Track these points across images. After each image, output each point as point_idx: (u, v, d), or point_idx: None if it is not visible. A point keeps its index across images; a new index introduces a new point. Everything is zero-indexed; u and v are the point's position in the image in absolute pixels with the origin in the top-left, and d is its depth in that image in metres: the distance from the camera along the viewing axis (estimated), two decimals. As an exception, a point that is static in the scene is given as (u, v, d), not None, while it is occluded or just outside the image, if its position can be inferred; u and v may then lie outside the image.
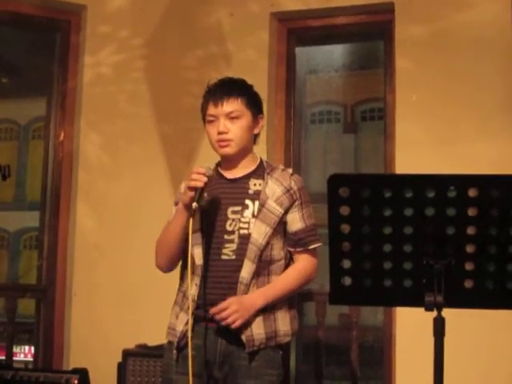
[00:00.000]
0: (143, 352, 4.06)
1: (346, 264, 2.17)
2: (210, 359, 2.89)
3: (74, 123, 4.83)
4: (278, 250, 2.95)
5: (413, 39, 4.37)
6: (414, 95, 4.33)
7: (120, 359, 4.04)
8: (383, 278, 2.15)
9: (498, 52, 4.20)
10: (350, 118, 8.89)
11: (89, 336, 4.58)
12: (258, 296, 2.89)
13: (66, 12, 4.90)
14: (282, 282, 2.96)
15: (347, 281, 2.18)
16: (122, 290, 4.58)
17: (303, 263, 2.99)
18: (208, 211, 2.95)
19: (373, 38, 5.08)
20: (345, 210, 2.13)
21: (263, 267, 2.92)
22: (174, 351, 2.91)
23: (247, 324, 2.86)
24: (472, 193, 2.04)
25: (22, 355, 9.61)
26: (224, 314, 2.85)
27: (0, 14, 4.83)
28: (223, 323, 2.86)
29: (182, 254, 3.00)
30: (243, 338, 2.86)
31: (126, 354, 4.04)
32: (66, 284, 4.72)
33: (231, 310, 2.84)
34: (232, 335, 2.88)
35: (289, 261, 3.02)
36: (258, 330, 2.88)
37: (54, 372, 3.94)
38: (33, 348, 5.04)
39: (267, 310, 2.92)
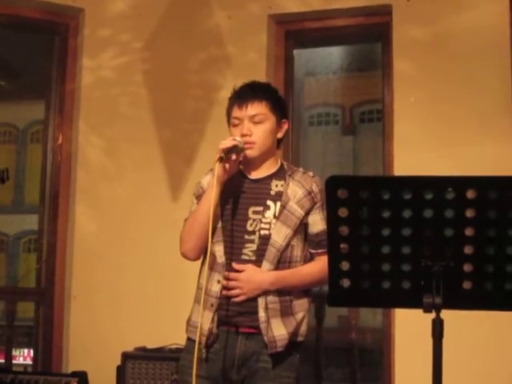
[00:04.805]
0: (142, 355, 4.07)
1: (345, 266, 2.17)
2: (228, 363, 2.89)
3: (72, 126, 4.84)
4: (297, 252, 2.96)
5: (411, 41, 4.38)
6: (413, 97, 4.34)
7: (119, 362, 4.04)
8: (382, 279, 2.15)
9: (496, 54, 4.20)
10: (348, 119, 8.91)
11: (88, 339, 4.58)
12: (271, 280, 2.90)
13: (65, 15, 4.90)
14: (301, 273, 2.96)
15: (346, 282, 2.18)
16: (121, 293, 4.58)
17: (324, 263, 2.98)
18: (229, 209, 2.96)
19: (371, 40, 5.10)
20: (343, 212, 2.13)
21: (282, 268, 2.92)
22: (204, 350, 2.89)
23: (268, 326, 2.86)
24: (470, 194, 2.04)
25: (22, 358, 9.62)
26: (230, 284, 2.88)
27: (-2, 17, 4.84)
28: (226, 293, 2.88)
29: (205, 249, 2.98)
30: (265, 339, 2.86)
31: (125, 356, 4.04)
32: (65, 287, 4.72)
33: (238, 284, 2.87)
34: (252, 338, 2.89)
35: (308, 262, 3.02)
36: (279, 331, 2.88)
37: (53, 375, 3.95)
38: (32, 351, 5.05)
39: (288, 311, 2.92)
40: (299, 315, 2.95)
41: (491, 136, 4.15)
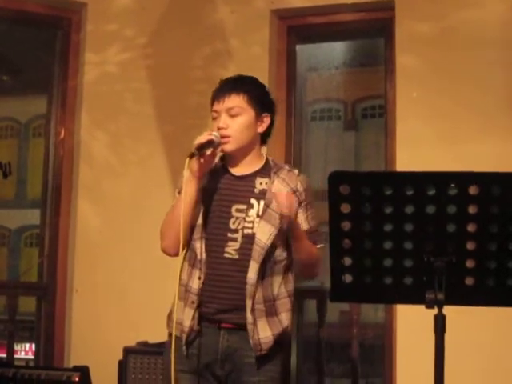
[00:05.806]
0: (144, 349, 4.07)
1: (347, 261, 2.17)
2: (211, 358, 2.87)
3: (74, 121, 4.84)
4: (281, 251, 2.92)
5: (413, 36, 4.37)
6: (415, 92, 4.33)
7: (121, 357, 4.04)
8: (384, 275, 2.15)
9: (500, 50, 4.20)
10: (350, 115, 8.90)
11: (90, 333, 4.58)
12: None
13: (67, 10, 4.90)
14: (308, 242, 2.93)
15: (348, 278, 2.18)
16: (123, 288, 4.58)
17: (316, 252, 2.97)
18: (211, 207, 2.92)
19: (373, 35, 5.08)
20: (345, 208, 2.13)
21: (267, 267, 2.88)
22: (184, 347, 2.88)
23: (254, 328, 2.83)
24: (472, 190, 2.04)
25: (23, 353, 9.61)
26: (289, 201, 2.81)
27: (1, 12, 4.83)
28: (279, 205, 2.80)
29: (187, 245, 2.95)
30: (251, 342, 2.83)
31: (127, 351, 4.04)
32: (66, 281, 4.73)
33: (282, 198, 2.80)
34: (235, 334, 2.86)
35: (290, 261, 2.99)
36: (264, 333, 2.86)
37: (55, 369, 3.94)
38: (34, 346, 5.05)
39: (272, 311, 2.89)
40: (283, 315, 2.92)
41: (494, 133, 4.15)
